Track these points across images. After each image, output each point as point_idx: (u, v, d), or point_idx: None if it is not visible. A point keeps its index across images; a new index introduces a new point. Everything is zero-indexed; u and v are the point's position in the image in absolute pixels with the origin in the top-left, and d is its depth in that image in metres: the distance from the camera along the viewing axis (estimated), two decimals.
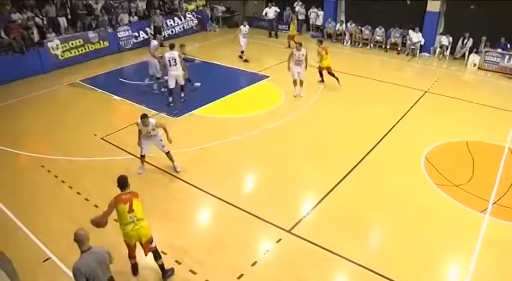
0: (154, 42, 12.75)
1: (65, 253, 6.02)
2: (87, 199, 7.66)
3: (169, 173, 8.54)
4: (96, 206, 7.34)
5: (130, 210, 5.43)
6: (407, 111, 11.40)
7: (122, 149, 9.49)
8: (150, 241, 5.64)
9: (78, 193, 7.87)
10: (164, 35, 18.72)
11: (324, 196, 7.76)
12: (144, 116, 7.87)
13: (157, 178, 8.44)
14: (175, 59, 11.21)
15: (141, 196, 5.65)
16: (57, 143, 9.87)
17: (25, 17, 15.41)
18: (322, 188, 7.98)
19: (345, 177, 8.35)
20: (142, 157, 8.47)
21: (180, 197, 7.84)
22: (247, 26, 15.95)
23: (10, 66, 13.97)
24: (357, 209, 7.42)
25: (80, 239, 4.45)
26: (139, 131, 8.08)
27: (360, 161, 8.91)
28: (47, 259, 6.23)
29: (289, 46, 17.32)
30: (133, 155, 9.12)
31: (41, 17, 15.90)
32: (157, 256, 5.81)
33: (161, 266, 5.84)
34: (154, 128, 8.04)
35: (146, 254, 5.71)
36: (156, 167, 8.77)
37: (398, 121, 10.83)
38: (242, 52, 16.07)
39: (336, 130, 10.50)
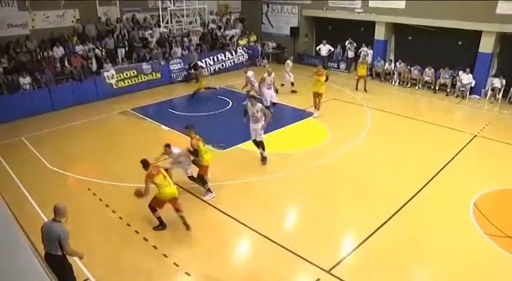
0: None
1: (104, 276, 6.12)
2: (128, 224, 7.82)
3: (210, 204, 8.62)
4: (136, 231, 7.48)
5: (164, 177, 7.37)
6: (455, 155, 10.98)
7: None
8: (177, 198, 7.48)
9: (120, 218, 8.07)
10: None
11: (366, 238, 7.51)
12: (167, 145, 8.69)
13: (197, 208, 8.51)
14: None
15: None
16: (105, 168, 10.25)
17: (86, 49, 16.50)
18: (364, 230, 7.74)
19: (387, 220, 8.06)
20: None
21: (219, 229, 7.86)
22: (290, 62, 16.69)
23: (69, 93, 15.00)
24: (399, 256, 7.10)
25: (54, 210, 5.34)
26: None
27: (404, 205, 8.60)
28: (86, 280, 6.33)
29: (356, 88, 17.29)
30: (178, 185, 9.25)
31: (100, 48, 16.95)
32: (179, 210, 7.50)
33: (182, 217, 7.50)
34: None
35: (176, 209, 7.46)
36: (197, 196, 8.88)
37: (446, 165, 10.42)
38: (292, 84, 16.53)
39: (380, 171, 10.25)
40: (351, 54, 20.51)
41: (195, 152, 8.57)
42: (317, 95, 13.72)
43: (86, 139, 12.18)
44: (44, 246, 5.37)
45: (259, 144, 10.41)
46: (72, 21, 17.30)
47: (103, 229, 7.78)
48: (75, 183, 9.59)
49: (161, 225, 7.64)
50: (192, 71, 17.80)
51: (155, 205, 7.52)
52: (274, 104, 14.22)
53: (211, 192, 8.91)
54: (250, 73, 14.99)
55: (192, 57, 18.71)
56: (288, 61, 16.32)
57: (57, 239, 5.21)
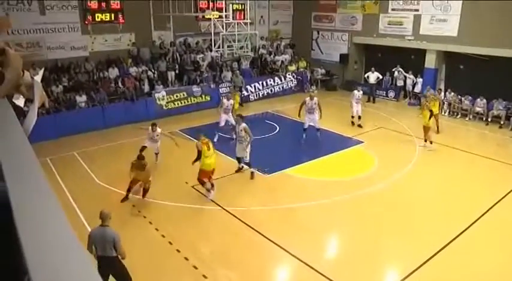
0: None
1: None
2: (170, 243, 7.71)
3: (251, 227, 8.39)
4: (178, 250, 7.34)
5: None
6: (508, 192, 10.11)
7: (211, 199, 9.59)
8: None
9: (163, 236, 7.98)
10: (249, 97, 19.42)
11: (409, 274, 6.97)
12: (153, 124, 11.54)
13: (237, 230, 8.34)
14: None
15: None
16: (150, 186, 10.26)
17: (139, 70, 17.05)
18: (407, 264, 7.23)
19: (432, 257, 7.44)
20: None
21: (260, 253, 7.63)
22: (360, 91, 15.77)
23: (121, 112, 15.47)
24: None
25: (101, 216, 5.85)
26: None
27: (450, 242, 7.92)
28: None
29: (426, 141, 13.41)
30: (221, 207, 9.16)
31: (153, 70, 17.47)
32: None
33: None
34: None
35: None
36: (241, 220, 8.68)
37: (498, 202, 9.59)
38: (353, 117, 15.55)
39: (427, 204, 9.63)
40: (399, 82, 19.91)
41: (198, 153, 9.58)
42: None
43: (134, 157, 12.30)
44: (96, 250, 5.79)
45: (240, 160, 11.08)
46: (128, 45, 18.04)
47: (145, 245, 7.71)
48: (121, 199, 9.65)
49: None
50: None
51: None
52: (317, 129, 13.79)
53: (211, 192, 9.62)
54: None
55: (238, 81, 18.90)
56: (355, 91, 15.60)
57: (112, 242, 5.71)
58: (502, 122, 15.94)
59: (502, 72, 16.40)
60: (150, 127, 11.58)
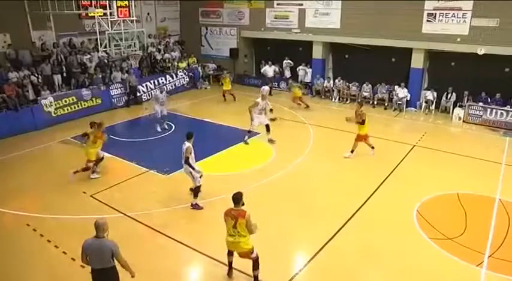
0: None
1: None
2: (73, 259, 7.40)
3: (158, 231, 8.41)
4: (82, 266, 7.10)
5: (235, 226, 6.27)
6: (396, 166, 11.52)
7: (111, 207, 9.36)
8: (250, 252, 6.45)
9: (64, 253, 7.63)
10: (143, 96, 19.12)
11: (316, 253, 7.62)
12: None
13: (146, 234, 8.32)
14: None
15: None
16: (45, 201, 9.71)
17: (21, 75, 15.68)
18: (313, 245, 7.85)
19: (335, 234, 8.23)
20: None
21: (169, 256, 7.69)
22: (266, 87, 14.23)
23: (3, 124, 14.06)
24: (349, 267, 7.28)
25: (95, 227, 5.44)
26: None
27: (350, 217, 8.84)
28: None
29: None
30: (123, 213, 9.02)
31: (36, 75, 16.18)
32: (255, 266, 6.53)
33: (255, 277, 6.60)
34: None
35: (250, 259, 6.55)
36: (145, 224, 8.64)
37: (388, 176, 10.89)
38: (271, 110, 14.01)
39: (325, 186, 10.53)
40: (287, 73, 20.98)
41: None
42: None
43: (23, 172, 11.47)
44: (91, 263, 5.55)
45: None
46: (3, 47, 16.50)
47: (46, 265, 7.34)
48: (12, 220, 8.97)
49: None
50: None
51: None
52: (268, 130, 13.32)
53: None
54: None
55: (133, 80, 18.40)
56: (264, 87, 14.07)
57: (110, 253, 5.43)
58: (386, 104, 17.90)
59: (382, 60, 18.31)
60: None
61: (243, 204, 6.37)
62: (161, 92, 15.05)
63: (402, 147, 12.94)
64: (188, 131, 9.25)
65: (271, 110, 13.80)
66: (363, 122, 11.77)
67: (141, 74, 19.57)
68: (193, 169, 9.08)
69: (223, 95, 18.85)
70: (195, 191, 9.28)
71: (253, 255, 6.49)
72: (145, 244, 7.97)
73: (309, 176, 11.10)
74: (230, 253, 6.71)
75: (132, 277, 5.71)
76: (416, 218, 8.74)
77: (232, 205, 6.42)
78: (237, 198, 6.34)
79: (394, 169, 11.26)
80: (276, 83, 21.20)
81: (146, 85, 19.29)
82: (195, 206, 9.30)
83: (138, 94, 18.67)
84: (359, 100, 17.10)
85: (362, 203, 9.43)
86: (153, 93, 18.13)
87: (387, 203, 9.47)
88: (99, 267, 5.53)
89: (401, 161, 11.87)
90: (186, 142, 9.01)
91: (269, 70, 20.52)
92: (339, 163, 11.83)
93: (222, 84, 19.19)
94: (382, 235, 8.21)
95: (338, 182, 10.70)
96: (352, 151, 12.05)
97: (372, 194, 9.88)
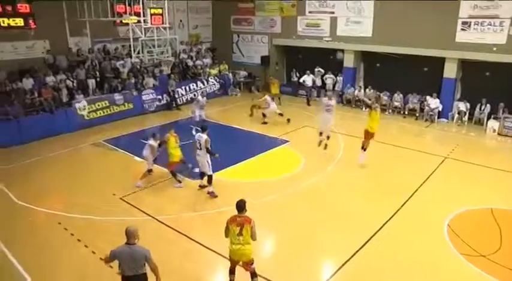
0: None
1: None
2: (102, 259, 7.55)
3: (184, 235, 8.50)
4: (111, 266, 7.23)
5: (240, 233, 6.25)
6: (427, 178, 11.23)
7: (140, 209, 9.52)
8: (251, 262, 6.45)
9: (93, 252, 7.81)
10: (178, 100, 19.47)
11: (344, 263, 7.52)
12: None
13: (173, 240, 8.39)
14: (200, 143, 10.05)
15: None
16: (76, 201, 9.96)
17: (57, 79, 16.24)
18: (342, 254, 7.75)
19: (365, 244, 8.11)
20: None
21: (195, 260, 7.75)
22: (333, 100, 13.25)
23: (39, 126, 14.60)
24: (377, 278, 7.14)
25: (126, 234, 5.43)
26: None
27: (380, 228, 8.68)
28: None
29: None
30: (151, 216, 9.15)
31: (71, 79, 16.73)
32: (254, 276, 6.59)
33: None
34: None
35: (246, 270, 6.54)
36: (172, 228, 8.74)
37: (419, 187, 10.63)
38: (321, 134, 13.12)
39: (355, 195, 10.36)
40: (318, 81, 20.75)
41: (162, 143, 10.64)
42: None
43: (56, 173, 11.83)
44: (124, 270, 5.50)
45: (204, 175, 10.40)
46: (42, 52, 17.13)
47: (75, 264, 7.51)
48: (45, 218, 9.26)
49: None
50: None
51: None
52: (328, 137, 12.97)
53: (180, 182, 10.71)
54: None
55: (173, 84, 18.89)
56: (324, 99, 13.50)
57: (143, 259, 5.45)
58: (417, 115, 17.54)
59: (414, 69, 17.94)
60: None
61: (246, 210, 6.48)
62: (203, 97, 15.75)
63: (433, 159, 12.62)
64: (203, 124, 10.80)
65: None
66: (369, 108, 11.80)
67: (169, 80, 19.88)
68: (213, 155, 9.92)
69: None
70: (209, 179, 10.10)
71: (253, 266, 6.52)
72: (172, 247, 8.04)
73: (337, 185, 10.98)
74: (232, 271, 6.68)
75: None
76: (447, 233, 8.48)
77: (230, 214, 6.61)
78: (241, 205, 6.48)
79: (424, 181, 10.99)
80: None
81: (178, 91, 19.53)
82: (211, 194, 10.02)
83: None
84: (421, 116, 17.04)
85: (392, 214, 9.24)
86: (188, 98, 19.03)
87: (417, 216, 9.25)
88: (131, 274, 5.51)
89: (432, 173, 11.57)
90: (202, 134, 9.94)
91: (308, 80, 20.24)
92: (369, 173, 11.66)
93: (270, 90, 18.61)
94: (411, 248, 8.01)
95: (367, 192, 10.54)
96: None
97: (402, 205, 9.67)
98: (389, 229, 8.68)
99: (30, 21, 15.85)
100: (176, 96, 19.23)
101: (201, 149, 9.90)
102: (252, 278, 6.60)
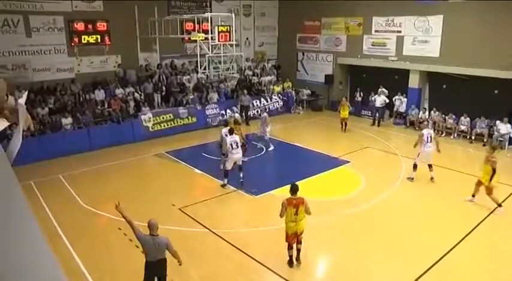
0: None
1: None
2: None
3: (241, 251, 8.33)
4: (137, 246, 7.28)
5: (296, 213, 7.28)
6: (494, 209, 10.17)
7: (198, 221, 9.51)
8: (302, 231, 7.44)
9: None
10: (250, 115, 19.58)
11: None
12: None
13: (229, 254, 8.26)
14: (237, 142, 11.32)
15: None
16: (136, 209, 10.06)
17: (126, 92, 17.00)
18: None
19: (420, 276, 7.44)
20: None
21: (249, 275, 7.57)
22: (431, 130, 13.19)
23: (107, 134, 15.34)
24: None
25: (149, 226, 6.31)
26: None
27: (439, 259, 7.95)
28: None
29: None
30: (208, 229, 9.08)
31: (139, 92, 17.45)
32: (299, 243, 7.57)
33: (298, 250, 7.63)
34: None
35: (296, 242, 7.54)
36: (229, 243, 8.62)
37: (485, 218, 9.73)
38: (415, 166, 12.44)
39: (413, 222, 9.69)
40: (384, 102, 19.89)
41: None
42: None
43: (119, 180, 12.23)
44: (150, 257, 6.30)
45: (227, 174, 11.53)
46: (114, 66, 18.07)
47: (133, 269, 7.53)
48: (106, 222, 9.52)
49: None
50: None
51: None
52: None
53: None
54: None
55: (245, 100, 19.20)
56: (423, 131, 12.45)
57: (165, 246, 6.28)
58: (485, 140, 16.15)
59: (483, 91, 16.81)
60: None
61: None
62: (263, 113, 16.00)
63: (502, 188, 11.47)
64: (229, 128, 11.86)
65: None
66: (493, 172, 10.11)
67: (231, 96, 20.23)
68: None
69: (341, 124, 17.92)
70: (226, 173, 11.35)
71: (302, 235, 7.53)
72: (224, 261, 7.95)
73: (397, 210, 10.38)
74: (290, 246, 7.53)
75: (180, 265, 6.39)
76: None
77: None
78: (295, 189, 7.48)
79: (492, 212, 10.04)
80: (369, 112, 20.34)
81: (250, 106, 19.81)
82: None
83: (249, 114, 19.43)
84: (489, 142, 14.72)
85: (453, 245, 8.47)
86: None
87: (481, 250, 8.44)
88: (154, 260, 6.25)
89: (503, 202, 10.54)
90: (232, 135, 11.46)
91: (378, 100, 19.37)
92: (431, 199, 10.89)
93: (339, 111, 18.09)
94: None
95: (429, 220, 9.77)
96: (473, 195, 10.66)
97: (465, 236, 8.85)
98: (450, 261, 7.94)
99: (106, 37, 16.95)
100: (249, 112, 19.51)
101: (237, 147, 11.14)
102: (297, 243, 7.54)
